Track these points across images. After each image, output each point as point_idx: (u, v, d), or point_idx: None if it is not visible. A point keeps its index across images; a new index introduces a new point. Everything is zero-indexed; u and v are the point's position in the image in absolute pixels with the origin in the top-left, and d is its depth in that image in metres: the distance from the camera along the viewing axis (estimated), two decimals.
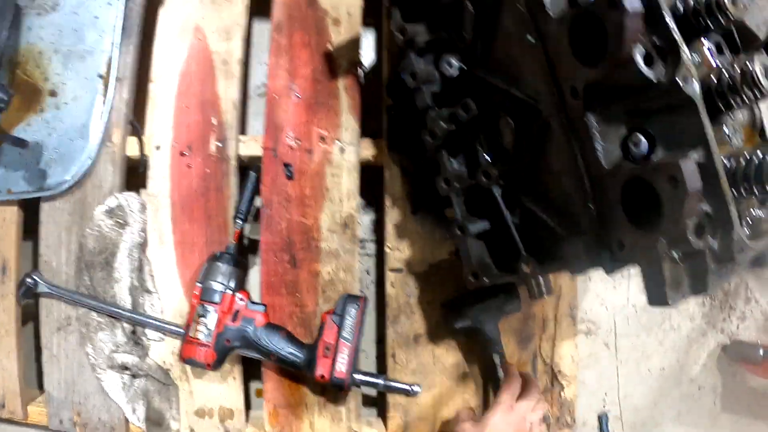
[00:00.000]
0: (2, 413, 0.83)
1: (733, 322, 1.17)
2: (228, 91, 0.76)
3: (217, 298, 0.67)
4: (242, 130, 0.86)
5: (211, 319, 0.66)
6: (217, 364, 0.67)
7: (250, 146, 0.77)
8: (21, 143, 0.80)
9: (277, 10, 0.80)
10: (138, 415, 0.80)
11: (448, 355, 0.75)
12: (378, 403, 0.84)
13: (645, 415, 1.07)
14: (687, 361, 1.12)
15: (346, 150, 0.75)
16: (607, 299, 1.02)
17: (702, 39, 0.45)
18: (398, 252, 0.75)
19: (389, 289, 0.74)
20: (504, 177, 0.54)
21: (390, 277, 0.75)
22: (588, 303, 1.01)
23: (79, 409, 0.78)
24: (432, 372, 0.75)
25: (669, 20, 0.40)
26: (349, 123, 0.76)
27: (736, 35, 0.48)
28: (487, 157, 0.57)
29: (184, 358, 0.67)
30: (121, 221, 0.81)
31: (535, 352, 0.78)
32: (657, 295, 0.44)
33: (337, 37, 0.79)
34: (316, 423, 0.73)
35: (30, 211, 0.84)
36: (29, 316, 0.87)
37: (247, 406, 0.82)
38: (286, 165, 0.75)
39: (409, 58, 0.62)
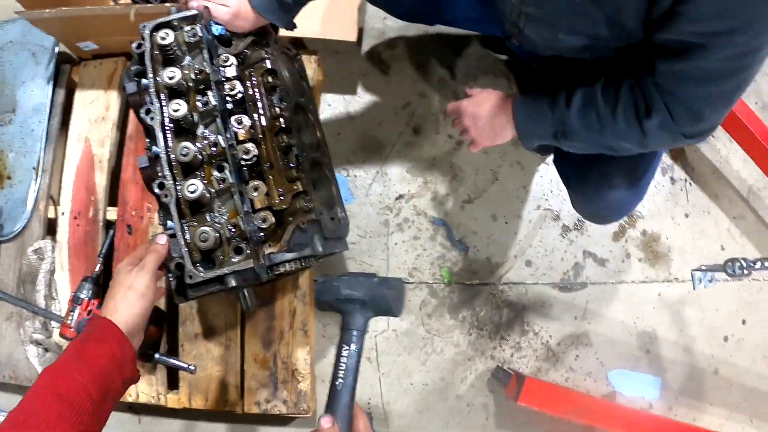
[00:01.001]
0: None
1: (506, 351, 1.77)
2: (100, 181, 1.57)
3: (80, 301, 1.46)
4: (112, 202, 1.72)
5: (77, 313, 1.49)
6: None
7: (112, 214, 1.60)
8: None
9: (129, 126, 1.59)
10: None
11: (216, 348, 1.47)
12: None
13: (410, 421, 1.69)
14: (453, 380, 1.73)
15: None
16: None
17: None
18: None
19: (179, 304, 1.61)
20: None
21: None
22: None
23: (14, 369, 1.66)
24: (205, 359, 1.47)
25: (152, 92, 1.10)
26: None
27: None
28: None
29: (60, 335, 1.44)
30: (41, 257, 1.73)
31: (275, 353, 1.53)
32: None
33: None
34: (139, 385, 1.53)
35: None
36: None
37: None
38: (128, 225, 1.54)
39: None
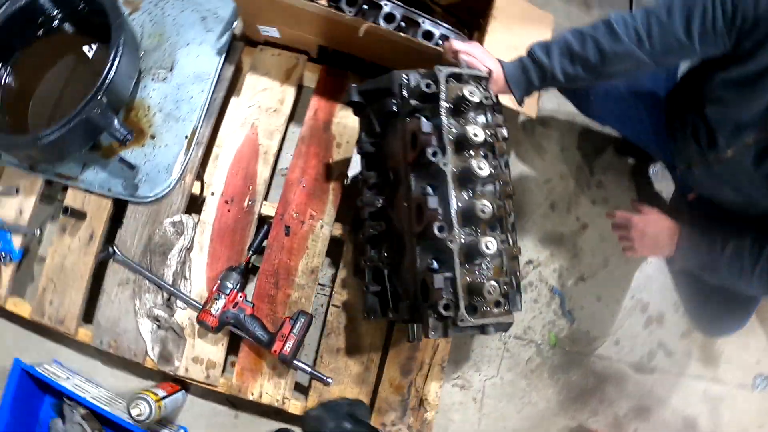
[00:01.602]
0: (60, 327, 1.62)
1: (585, 414, 2.06)
2: (262, 172, 1.62)
3: (227, 291, 1.50)
4: (267, 197, 1.74)
5: (221, 302, 1.49)
6: (217, 330, 1.48)
7: (268, 209, 1.62)
8: (125, 163, 1.74)
9: (304, 128, 1.67)
10: (155, 353, 1.70)
11: (355, 366, 1.58)
12: (305, 391, 1.72)
13: None
14: None
15: (324, 227, 1.61)
16: (481, 367, 1.92)
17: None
18: (339, 296, 1.60)
19: (329, 317, 1.58)
20: (390, 265, 1.36)
21: (331, 309, 1.62)
22: (467, 366, 1.91)
23: (117, 338, 1.66)
24: (342, 374, 1.58)
25: (446, 138, 1.21)
26: (329, 211, 1.61)
27: None
28: (385, 252, 1.38)
29: (199, 320, 1.49)
30: (179, 231, 1.73)
31: (411, 381, 1.68)
32: (424, 333, 1.23)
33: (337, 155, 1.65)
34: (265, 385, 1.56)
35: (118, 207, 1.79)
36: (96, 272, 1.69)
37: (225, 368, 1.74)
38: (287, 227, 1.62)
39: (363, 190, 1.56)
